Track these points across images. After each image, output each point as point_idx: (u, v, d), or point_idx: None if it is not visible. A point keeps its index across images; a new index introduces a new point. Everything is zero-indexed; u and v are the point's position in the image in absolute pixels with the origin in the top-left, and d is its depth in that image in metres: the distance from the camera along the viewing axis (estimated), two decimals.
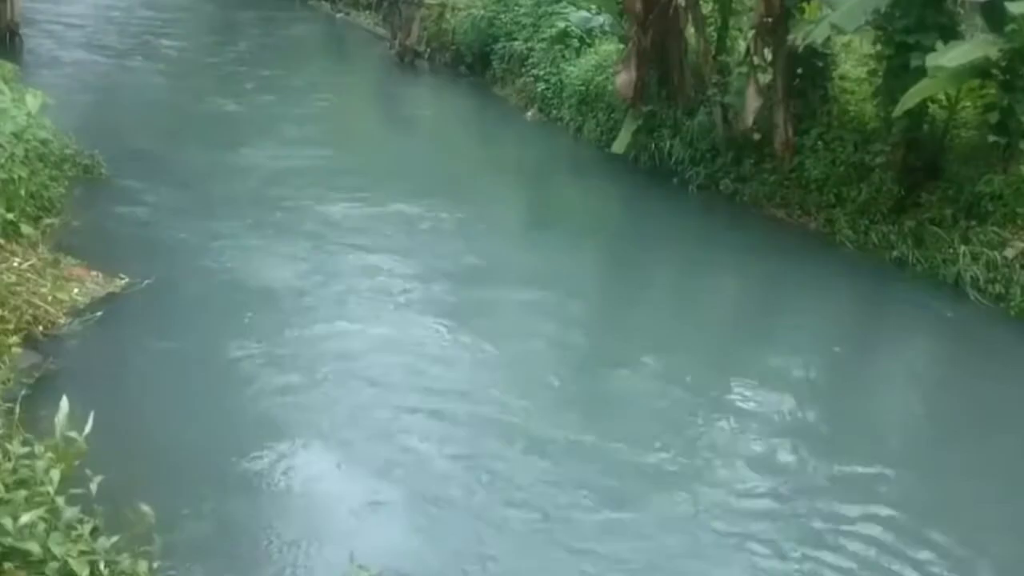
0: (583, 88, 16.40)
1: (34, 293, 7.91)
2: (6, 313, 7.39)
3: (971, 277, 10.62)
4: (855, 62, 13.65)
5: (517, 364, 8.49)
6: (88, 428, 5.41)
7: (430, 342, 8.64)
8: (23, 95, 9.01)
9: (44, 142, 9.88)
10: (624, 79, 14.20)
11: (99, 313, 8.20)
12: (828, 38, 12.06)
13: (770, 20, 12.37)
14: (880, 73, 11.79)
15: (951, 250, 10.98)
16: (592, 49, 17.12)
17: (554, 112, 17.36)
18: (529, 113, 18.11)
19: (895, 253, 11.47)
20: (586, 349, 9.16)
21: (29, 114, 8.78)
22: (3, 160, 8.62)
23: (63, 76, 17.39)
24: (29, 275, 8.15)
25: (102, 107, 15.93)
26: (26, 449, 5.39)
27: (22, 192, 9.07)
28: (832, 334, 10.07)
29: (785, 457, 7.36)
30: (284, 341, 8.30)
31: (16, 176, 8.90)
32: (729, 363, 8.97)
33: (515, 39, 19.21)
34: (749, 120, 12.78)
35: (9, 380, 6.59)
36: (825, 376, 9.20)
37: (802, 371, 9.11)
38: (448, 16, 21.92)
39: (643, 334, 9.36)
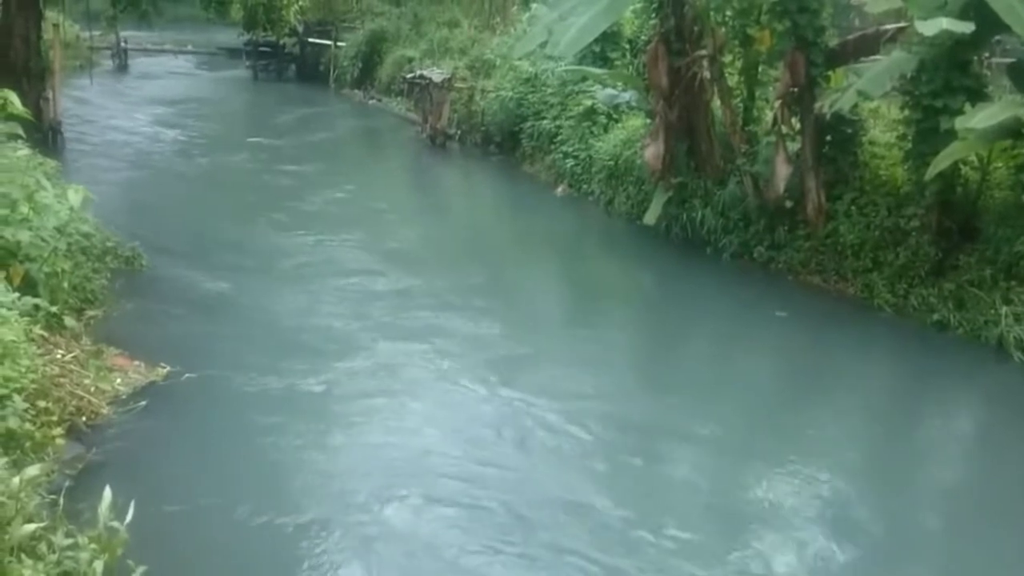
0: (612, 163, 16.58)
1: (77, 384, 7.99)
2: (50, 405, 7.44)
3: (1014, 338, 10.45)
4: (884, 127, 13.71)
5: (553, 440, 8.38)
6: (129, 517, 5.44)
7: (480, 424, 8.58)
8: (65, 191, 9.20)
9: (86, 235, 10.09)
10: (652, 152, 14.34)
11: (142, 403, 8.24)
12: (855, 105, 12.11)
13: (796, 90, 12.49)
14: (910, 137, 11.80)
15: (992, 311, 10.83)
16: (619, 124, 17.36)
17: (584, 187, 17.54)
18: (559, 189, 18.29)
19: (936, 316, 11.33)
20: (626, 424, 9.03)
21: (71, 208, 8.95)
22: (47, 254, 8.77)
23: (103, 171, 17.84)
24: (72, 366, 8.24)
25: (141, 201, 16.30)
26: (70, 541, 5.42)
27: (65, 285, 9.23)
28: (877, 402, 9.89)
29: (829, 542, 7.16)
30: (325, 435, 8.22)
31: (59, 269, 9.06)
32: (772, 436, 8.76)
33: (543, 118, 19.55)
34: (780, 188, 12.80)
35: (53, 472, 6.61)
36: (870, 447, 8.93)
37: (848, 442, 8.89)
38: (477, 98, 22.38)
39: (683, 408, 9.20)
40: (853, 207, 12.53)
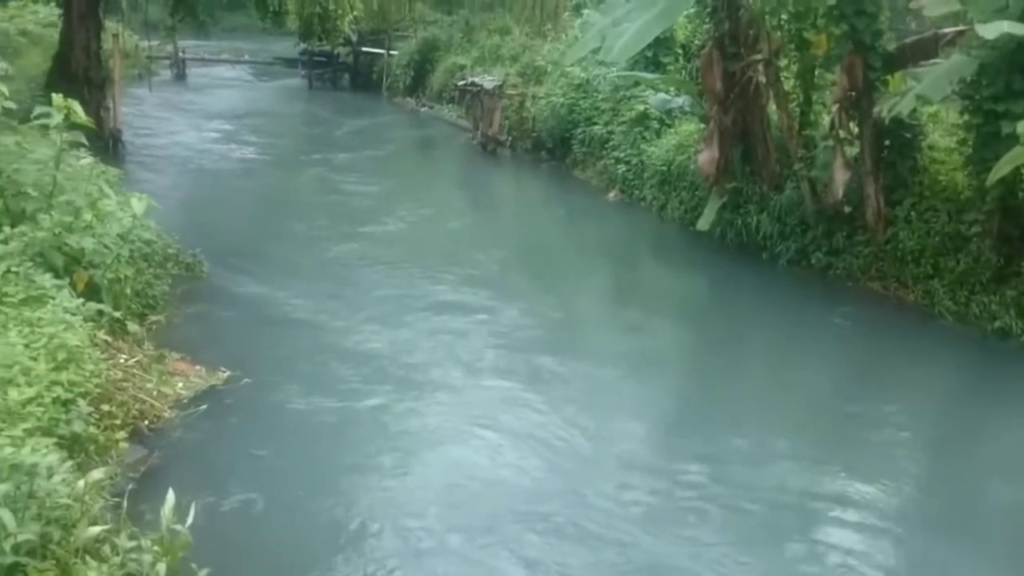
0: (665, 168, 16.50)
1: (140, 388, 8.12)
2: (114, 409, 7.59)
3: None
4: (943, 132, 13.46)
5: (611, 446, 8.33)
6: (190, 520, 5.53)
7: (533, 431, 8.55)
8: (128, 198, 9.37)
9: (148, 243, 10.25)
10: (706, 157, 14.24)
11: (203, 407, 8.36)
12: (914, 109, 11.91)
13: (854, 94, 12.30)
14: (970, 142, 11.56)
15: None
16: (672, 130, 17.28)
17: (636, 192, 17.49)
18: (611, 194, 18.25)
19: (997, 324, 11.10)
20: (682, 432, 8.97)
21: (134, 216, 9.11)
22: (110, 260, 8.94)
23: (163, 180, 18.13)
24: (135, 371, 8.38)
25: (201, 208, 16.54)
26: (133, 543, 5.52)
27: (128, 291, 9.41)
28: (939, 412, 9.68)
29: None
30: (380, 438, 8.23)
31: (122, 276, 9.24)
32: (832, 444, 8.64)
33: (595, 123, 19.52)
34: (839, 193, 12.64)
35: (116, 475, 6.73)
36: (934, 458, 8.74)
37: (911, 453, 8.73)
38: (528, 105, 22.41)
39: (742, 417, 9.09)
40: (913, 213, 12.33)
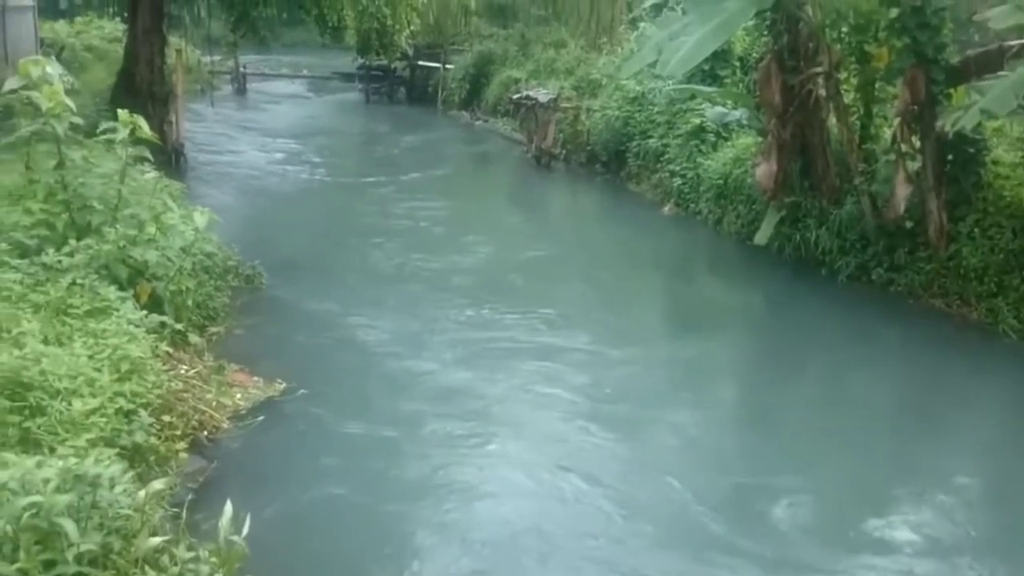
0: (721, 181, 16.37)
1: (200, 399, 8.24)
2: (174, 419, 7.70)
3: None
4: (1008, 146, 13.16)
5: (669, 465, 8.24)
6: (246, 530, 5.57)
7: (587, 446, 8.52)
8: (190, 212, 9.54)
9: (209, 255, 10.43)
10: (764, 171, 14.09)
11: (260, 418, 8.45)
12: (978, 123, 11.66)
13: (916, 107, 12.08)
14: None
15: None
16: (729, 143, 17.13)
17: (691, 206, 17.38)
18: (666, 208, 18.15)
19: None
20: (741, 453, 8.85)
21: (196, 229, 9.27)
22: (172, 273, 9.10)
23: (224, 193, 18.47)
24: (195, 382, 8.50)
25: (260, 220, 16.78)
26: (191, 554, 5.57)
27: (189, 302, 9.55)
28: (1005, 436, 9.41)
29: None
30: (445, 461, 8.11)
31: (184, 288, 9.38)
32: (896, 468, 8.43)
33: (650, 137, 19.45)
34: (900, 208, 12.41)
35: (176, 485, 6.82)
36: (1002, 485, 8.50)
37: (977, 479, 8.50)
38: (583, 118, 22.41)
39: (801, 436, 8.95)
40: (976, 229, 12.05)
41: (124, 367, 7.05)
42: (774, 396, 10.14)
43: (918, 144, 12.48)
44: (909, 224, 12.60)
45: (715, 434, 9.11)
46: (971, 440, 9.27)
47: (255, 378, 9.10)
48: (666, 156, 18.64)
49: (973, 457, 8.94)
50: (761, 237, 14.37)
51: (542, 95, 23.31)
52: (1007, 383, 10.48)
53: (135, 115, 9.26)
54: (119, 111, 9.36)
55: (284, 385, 9.06)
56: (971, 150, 12.43)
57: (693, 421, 9.21)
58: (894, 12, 12.08)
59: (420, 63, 34.13)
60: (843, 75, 13.98)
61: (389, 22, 21.10)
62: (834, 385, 10.56)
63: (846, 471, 8.40)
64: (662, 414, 9.29)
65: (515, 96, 25.60)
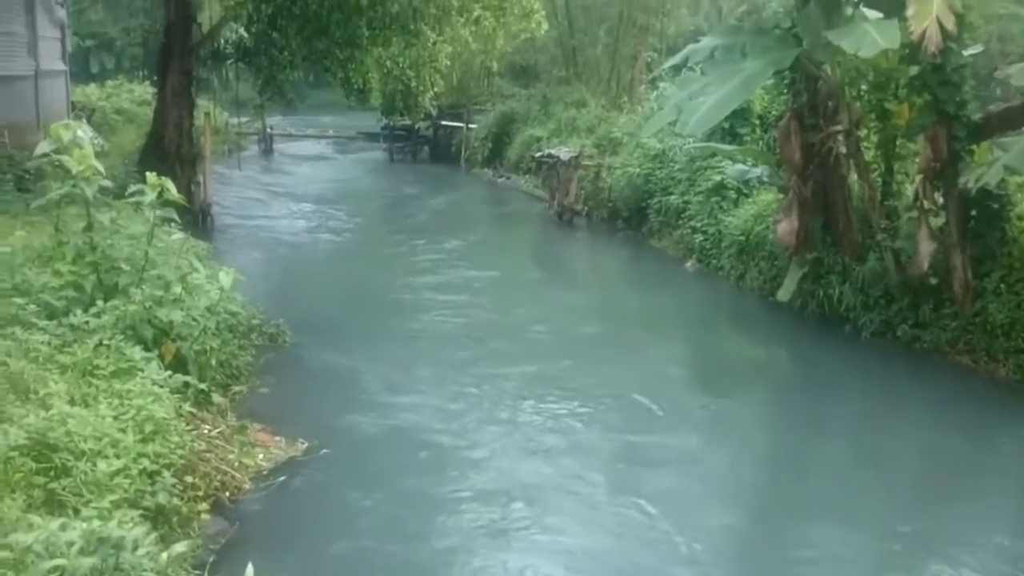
0: (743, 238, 16.40)
1: (222, 460, 8.23)
2: (196, 480, 7.69)
3: None
4: None
5: (687, 530, 8.13)
6: None
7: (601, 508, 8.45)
8: (216, 272, 9.64)
9: (233, 314, 10.51)
10: (786, 228, 14.10)
11: (282, 478, 8.43)
12: (1002, 179, 11.64)
13: (938, 164, 12.09)
14: None
15: None
16: (750, 200, 17.19)
17: (713, 262, 17.39)
18: (688, 264, 18.18)
19: None
20: (763, 515, 8.73)
21: (221, 289, 9.37)
22: (197, 333, 9.18)
23: (250, 252, 18.65)
24: (218, 442, 8.51)
25: (285, 279, 16.93)
26: None
27: (213, 362, 9.61)
28: None
29: None
30: (458, 521, 8.04)
31: (208, 347, 9.46)
32: (921, 534, 8.23)
33: (671, 193, 19.57)
34: (924, 264, 12.36)
35: (198, 547, 6.80)
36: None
37: (1009, 542, 8.32)
38: (604, 175, 22.60)
39: (823, 499, 8.79)
40: (1002, 285, 11.96)
41: (148, 428, 7.09)
42: (803, 457, 10.02)
43: (941, 200, 12.48)
44: (934, 280, 12.53)
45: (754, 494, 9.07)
46: (1001, 504, 9.07)
47: (277, 438, 9.10)
48: (687, 212, 18.72)
49: (1006, 522, 8.72)
50: (784, 293, 14.34)
51: (564, 153, 23.54)
52: None
53: (163, 177, 9.43)
54: (147, 173, 9.53)
55: (307, 445, 9.05)
56: (995, 206, 12.39)
57: (709, 480, 9.16)
58: (914, 70, 12.14)
59: (443, 123, 34.63)
60: (863, 132, 14.04)
61: (413, 84, 21.43)
62: (861, 447, 10.39)
63: (877, 532, 8.25)
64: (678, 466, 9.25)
65: (537, 154, 25.87)
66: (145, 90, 30.41)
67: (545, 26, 21.09)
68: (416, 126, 34.43)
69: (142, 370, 7.90)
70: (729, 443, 10.23)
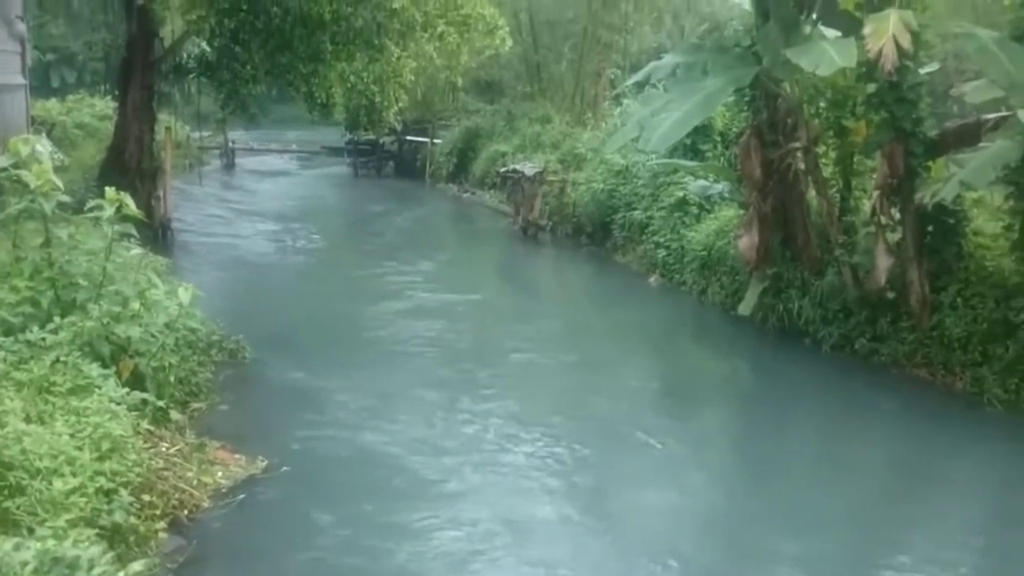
0: (705, 253, 16.56)
1: (180, 478, 8.14)
2: (154, 498, 7.60)
3: None
4: (988, 216, 13.34)
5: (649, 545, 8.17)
6: None
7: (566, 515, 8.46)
8: (175, 288, 9.56)
9: (192, 330, 10.40)
10: (746, 243, 14.25)
11: (241, 496, 8.34)
12: (958, 195, 11.84)
13: (895, 180, 12.27)
14: (1016, 228, 11.46)
15: None
16: (712, 215, 17.36)
17: (676, 277, 17.54)
18: (652, 279, 18.30)
19: None
20: (725, 524, 8.79)
21: (180, 305, 9.29)
22: (155, 349, 9.08)
23: (210, 267, 18.52)
24: (176, 459, 8.41)
25: (246, 293, 16.77)
26: None
27: (172, 378, 9.50)
28: (995, 513, 9.32)
29: None
30: (420, 541, 7.94)
31: (167, 364, 9.35)
32: (879, 545, 8.31)
33: (634, 209, 19.71)
34: (882, 279, 12.52)
35: (155, 566, 6.73)
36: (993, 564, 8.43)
37: (966, 555, 8.42)
38: (568, 191, 22.71)
39: (783, 510, 8.86)
40: (959, 299, 12.14)
41: (105, 445, 7.00)
42: (765, 467, 10.12)
43: (898, 216, 12.66)
44: (891, 295, 12.71)
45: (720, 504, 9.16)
46: (959, 516, 9.19)
47: (237, 455, 9.00)
48: (651, 228, 18.86)
49: (961, 535, 8.82)
50: (745, 307, 14.48)
51: (528, 168, 23.62)
52: (991, 458, 10.39)
53: (122, 192, 9.34)
54: (106, 188, 9.44)
55: (266, 463, 8.95)
56: (951, 221, 12.60)
57: (679, 492, 9.20)
58: (871, 87, 12.33)
59: (408, 137, 34.63)
60: (822, 149, 14.25)
61: (377, 98, 21.40)
62: (820, 456, 10.53)
63: (837, 540, 8.37)
64: (646, 481, 9.29)
65: (502, 169, 25.94)
66: (106, 104, 30.15)
67: (509, 42, 21.17)
68: (380, 141, 34.40)
69: (99, 387, 7.80)
70: (696, 453, 10.32)
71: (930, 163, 12.65)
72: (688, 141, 18.20)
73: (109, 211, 9.18)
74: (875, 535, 8.45)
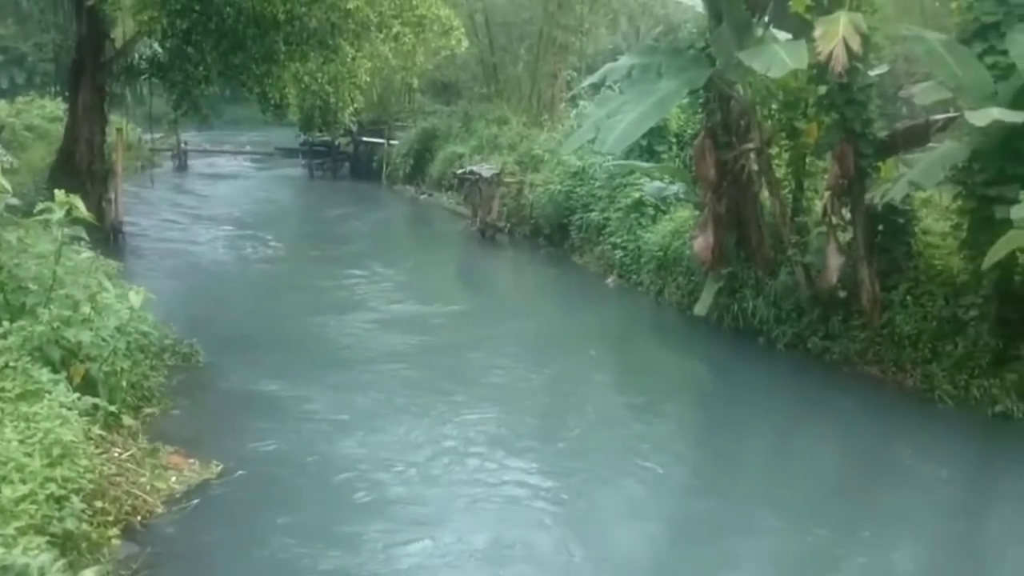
0: (661, 254, 16.67)
1: (133, 483, 8.03)
2: (107, 504, 7.49)
3: None
4: (937, 215, 13.60)
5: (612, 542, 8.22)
6: None
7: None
8: (126, 291, 9.43)
9: (145, 334, 10.26)
10: (702, 243, 14.37)
11: (195, 501, 8.25)
12: (907, 195, 12.04)
13: (846, 181, 12.44)
14: (964, 227, 11.68)
15: None
16: (668, 216, 17.49)
17: (633, 277, 17.64)
18: (609, 279, 18.39)
19: (998, 407, 11.07)
20: (680, 523, 8.87)
21: (131, 309, 9.16)
22: (106, 354, 8.95)
23: (162, 270, 18.28)
24: (129, 465, 8.30)
25: (199, 297, 16.63)
26: None
27: (123, 383, 9.36)
28: (945, 501, 9.47)
29: None
30: (373, 542, 7.94)
31: (118, 368, 9.21)
32: (833, 538, 8.46)
33: (591, 210, 19.80)
34: (833, 278, 12.69)
35: (108, 573, 6.62)
36: (943, 554, 8.59)
37: (916, 548, 8.57)
38: (526, 192, 22.76)
39: (739, 505, 8.99)
40: (909, 297, 12.35)
41: (56, 452, 6.88)
42: (718, 464, 10.29)
43: (849, 216, 12.83)
44: (842, 293, 12.88)
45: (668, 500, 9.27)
46: (911, 508, 9.32)
47: (191, 460, 8.90)
48: (608, 229, 18.95)
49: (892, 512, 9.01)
50: (700, 308, 14.60)
51: (485, 170, 23.63)
52: (941, 449, 10.58)
53: (72, 194, 9.19)
54: (55, 191, 9.28)
55: (221, 467, 8.87)
56: (900, 220, 12.81)
57: (646, 489, 9.31)
58: (822, 89, 12.49)
59: (364, 139, 34.46)
60: (774, 150, 14.41)
61: (332, 99, 21.25)
62: (773, 450, 10.76)
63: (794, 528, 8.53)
64: (615, 482, 9.36)
65: (459, 171, 25.93)
66: (57, 106, 29.65)
67: (465, 43, 21.09)
68: (336, 142, 34.21)
69: (49, 392, 7.66)
70: (653, 446, 10.42)
71: (880, 164, 12.84)
72: (644, 143, 18.35)
73: (59, 214, 9.02)
74: (827, 523, 8.63)
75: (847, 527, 8.65)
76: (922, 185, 11.94)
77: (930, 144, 12.75)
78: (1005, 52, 10.90)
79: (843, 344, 12.90)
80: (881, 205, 12.14)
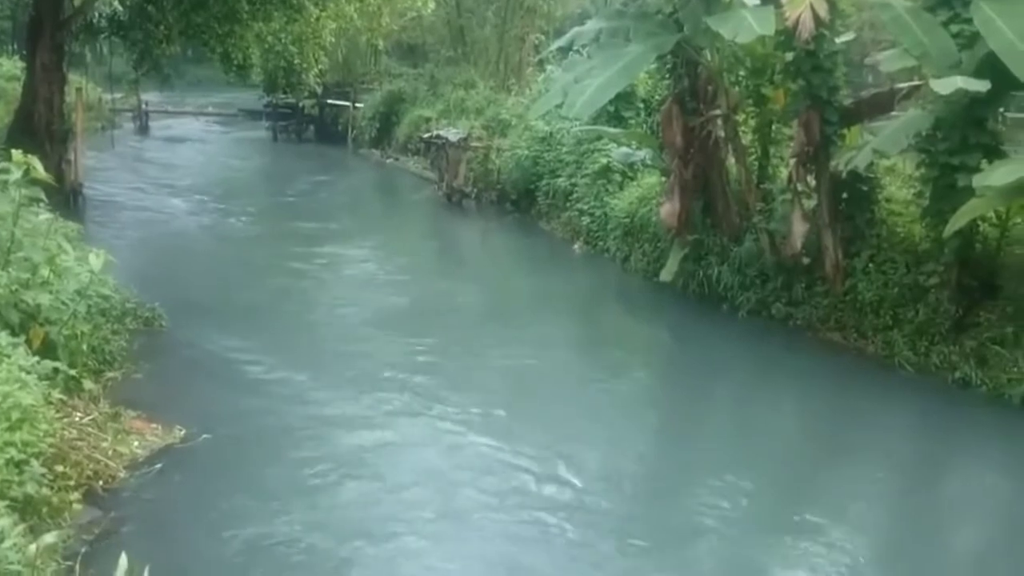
0: (628, 220, 16.69)
1: (95, 448, 7.95)
2: (67, 469, 7.42)
3: None
4: (900, 184, 13.71)
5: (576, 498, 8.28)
6: None
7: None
8: (86, 254, 9.27)
9: (105, 297, 10.10)
10: (668, 210, 14.40)
11: (158, 465, 8.19)
12: (871, 163, 12.11)
13: (811, 148, 12.50)
14: (927, 195, 11.79)
15: (1015, 369, 10.73)
16: (635, 182, 17.49)
17: (600, 244, 17.65)
18: (576, 246, 18.39)
19: (957, 374, 11.22)
20: (644, 485, 8.96)
21: (92, 272, 9.02)
22: (66, 317, 8.81)
23: (124, 233, 18.05)
24: (90, 430, 8.21)
25: (162, 261, 16.44)
26: None
27: (84, 347, 9.23)
28: (903, 463, 9.65)
29: None
30: (339, 503, 8.03)
31: (79, 332, 9.07)
32: (793, 499, 8.62)
33: (559, 176, 19.75)
34: (797, 245, 12.79)
35: (69, 538, 6.56)
36: (896, 511, 8.74)
37: (871, 507, 8.72)
38: (493, 157, 22.65)
39: (702, 467, 9.09)
40: (871, 264, 12.47)
41: (14, 416, 6.77)
42: (684, 425, 10.44)
43: (813, 183, 12.90)
44: (806, 260, 12.99)
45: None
46: (869, 470, 9.48)
47: (153, 425, 8.83)
48: (575, 195, 18.93)
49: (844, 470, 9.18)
50: (666, 274, 14.65)
51: (452, 134, 23.48)
52: (901, 413, 10.74)
53: (30, 155, 8.99)
54: (13, 152, 9.08)
55: (184, 431, 8.81)
56: (864, 188, 12.91)
57: (615, 451, 9.41)
58: (789, 56, 12.51)
59: (329, 101, 34.08)
60: (741, 117, 14.45)
61: (296, 60, 21.01)
62: (735, 414, 10.92)
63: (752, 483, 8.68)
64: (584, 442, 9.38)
65: (426, 135, 25.75)
66: (14, 65, 28.99)
67: (432, 5, 21.01)
68: (300, 104, 33.80)
69: (8, 356, 7.52)
70: (618, 411, 10.56)
71: (845, 131, 12.93)
72: (611, 108, 18.28)
73: (16, 174, 8.84)
74: (783, 480, 8.83)
75: (800, 488, 8.82)
76: (886, 153, 12.04)
77: (894, 112, 12.81)
78: (969, 20, 10.95)
79: (806, 310, 13.02)
80: (845, 172, 12.23)
